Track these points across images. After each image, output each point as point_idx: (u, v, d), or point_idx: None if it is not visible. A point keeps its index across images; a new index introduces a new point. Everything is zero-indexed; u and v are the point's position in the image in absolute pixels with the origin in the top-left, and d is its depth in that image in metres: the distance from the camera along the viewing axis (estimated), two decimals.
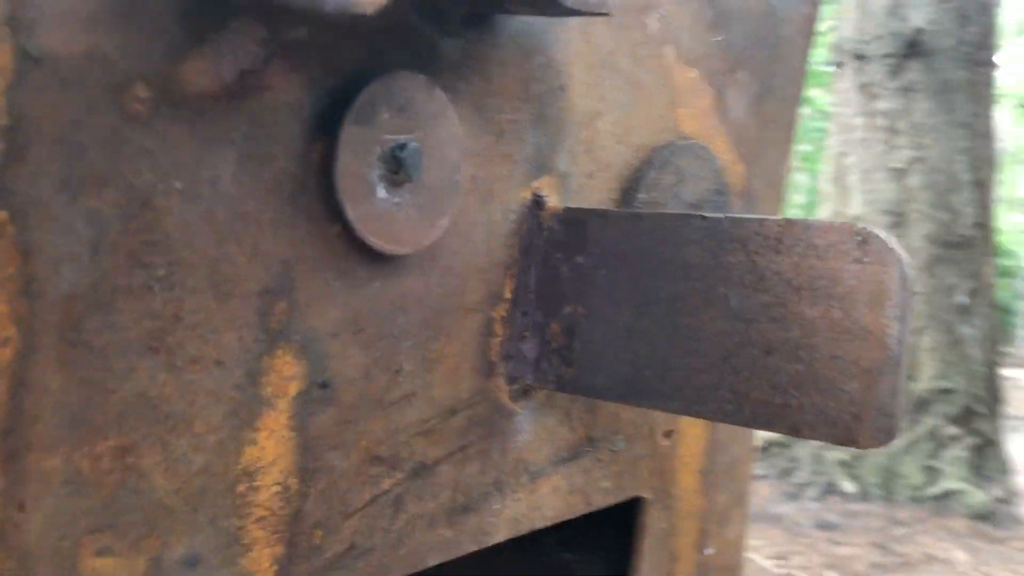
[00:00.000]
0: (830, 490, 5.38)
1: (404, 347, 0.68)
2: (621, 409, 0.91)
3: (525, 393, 0.79)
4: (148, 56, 0.50)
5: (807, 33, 1.07)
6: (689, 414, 0.72)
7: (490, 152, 0.72)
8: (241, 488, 0.59)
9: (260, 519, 0.60)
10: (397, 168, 0.62)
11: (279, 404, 0.60)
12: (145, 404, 0.53)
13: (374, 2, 0.50)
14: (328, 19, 0.49)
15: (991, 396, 5.50)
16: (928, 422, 5.39)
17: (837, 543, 4.76)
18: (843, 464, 5.39)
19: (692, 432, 1.02)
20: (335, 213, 0.61)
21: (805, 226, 0.66)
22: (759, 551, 4.44)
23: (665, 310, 0.72)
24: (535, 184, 0.77)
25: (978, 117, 5.40)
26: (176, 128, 0.52)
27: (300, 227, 0.60)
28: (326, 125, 0.60)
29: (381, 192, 0.63)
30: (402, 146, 0.62)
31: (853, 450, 5.20)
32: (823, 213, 5.88)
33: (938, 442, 5.37)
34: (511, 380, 0.78)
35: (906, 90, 5.42)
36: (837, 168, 5.80)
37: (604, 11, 0.65)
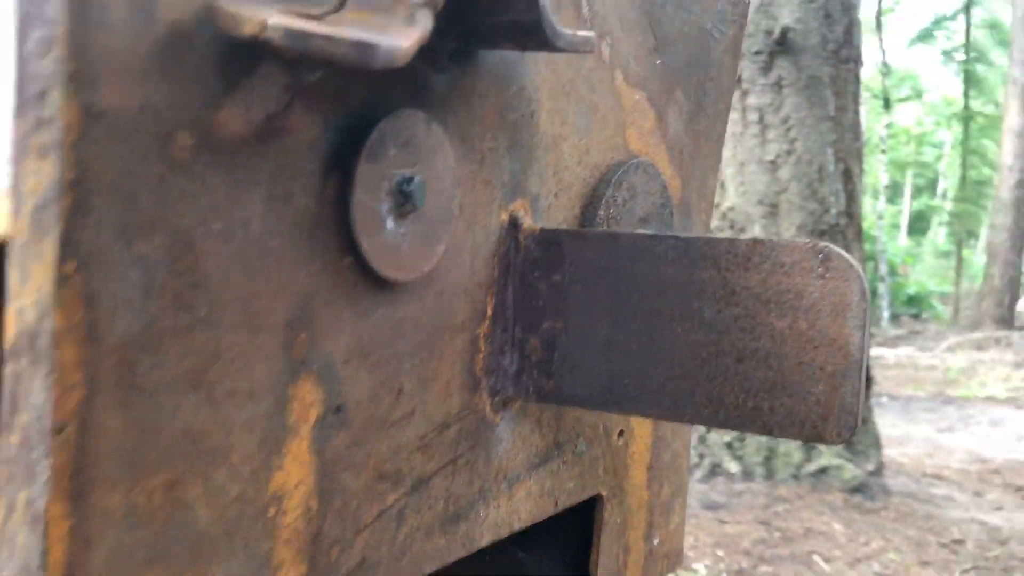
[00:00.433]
0: (715, 471, 5.59)
1: (404, 368, 0.71)
2: (583, 413, 0.96)
3: (504, 404, 0.84)
4: (190, 105, 0.52)
5: (734, 53, 1.15)
6: (667, 419, 0.77)
7: (473, 179, 0.76)
8: (271, 512, 0.61)
9: (287, 540, 0.63)
10: (404, 201, 0.66)
11: (302, 430, 0.63)
12: (189, 439, 0.55)
13: (406, 54, 0.53)
14: (367, 71, 0.52)
15: None
16: None
17: (724, 522, 4.96)
18: (727, 446, 5.61)
19: (641, 431, 1.09)
20: (349, 245, 0.64)
21: (772, 245, 0.73)
22: None
23: (642, 323, 0.77)
24: (512, 207, 0.81)
25: (843, 111, 5.69)
26: (213, 172, 0.54)
27: (317, 260, 0.62)
28: (340, 162, 0.63)
29: (390, 224, 0.66)
30: (409, 180, 0.66)
31: (736, 432, 5.46)
32: None
33: None
34: (493, 393, 0.82)
35: (776, 86, 5.67)
36: None
37: (590, 49, 0.69)
